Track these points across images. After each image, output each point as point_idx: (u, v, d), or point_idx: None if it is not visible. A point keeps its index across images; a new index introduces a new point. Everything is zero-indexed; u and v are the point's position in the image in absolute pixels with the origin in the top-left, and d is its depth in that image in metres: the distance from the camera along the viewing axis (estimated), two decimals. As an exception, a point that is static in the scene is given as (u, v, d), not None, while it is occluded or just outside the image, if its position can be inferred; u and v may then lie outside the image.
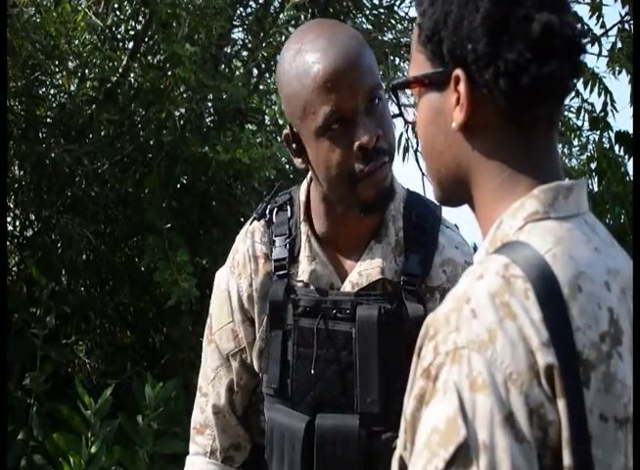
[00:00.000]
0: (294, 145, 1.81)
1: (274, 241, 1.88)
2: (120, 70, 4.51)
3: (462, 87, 1.15)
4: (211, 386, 1.96)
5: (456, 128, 1.16)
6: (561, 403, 1.06)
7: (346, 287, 1.84)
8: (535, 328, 1.07)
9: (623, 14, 5.82)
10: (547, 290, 1.09)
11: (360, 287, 1.83)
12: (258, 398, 1.94)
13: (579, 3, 5.74)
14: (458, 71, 1.15)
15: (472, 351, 1.05)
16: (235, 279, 1.91)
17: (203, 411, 1.98)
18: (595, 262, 1.14)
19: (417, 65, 1.21)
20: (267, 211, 1.91)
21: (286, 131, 1.82)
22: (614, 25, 5.84)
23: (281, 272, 1.86)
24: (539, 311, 1.07)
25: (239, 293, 1.90)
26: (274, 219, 1.90)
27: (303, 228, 1.87)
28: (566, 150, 6.11)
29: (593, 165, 6.09)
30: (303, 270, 1.85)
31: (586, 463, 1.07)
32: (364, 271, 1.83)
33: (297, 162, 1.83)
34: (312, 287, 1.84)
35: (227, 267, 1.94)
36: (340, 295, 1.83)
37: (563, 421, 1.06)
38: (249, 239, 1.91)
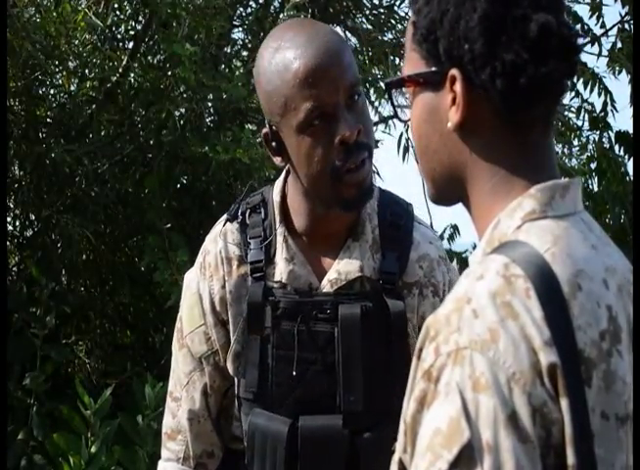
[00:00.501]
0: (273, 143, 1.80)
1: (249, 243, 1.87)
2: (120, 70, 4.51)
3: (458, 87, 1.15)
4: (185, 391, 1.93)
5: (452, 128, 1.16)
6: (564, 402, 1.06)
7: (325, 286, 1.83)
8: (537, 327, 1.06)
9: (623, 14, 5.82)
10: (548, 289, 1.09)
11: (339, 286, 1.82)
12: (230, 401, 1.93)
13: (579, 3, 5.74)
14: (454, 71, 1.15)
15: (474, 351, 1.05)
16: (206, 281, 1.89)
17: (174, 416, 1.96)
18: (593, 260, 1.14)
19: (411, 63, 1.21)
20: (240, 213, 1.90)
21: (265, 130, 1.81)
22: (614, 25, 5.84)
23: (257, 274, 1.85)
24: (541, 310, 1.07)
25: (210, 295, 1.89)
26: (247, 221, 1.89)
27: (279, 229, 1.86)
28: (566, 150, 6.11)
29: (593, 165, 6.09)
30: (281, 271, 1.84)
31: (589, 462, 1.06)
32: (342, 270, 1.83)
33: (277, 160, 1.83)
34: (290, 288, 1.84)
35: (197, 269, 1.92)
36: (319, 295, 1.82)
37: (566, 420, 1.05)
38: (221, 240, 1.89)
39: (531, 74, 1.12)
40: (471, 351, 1.05)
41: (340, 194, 1.76)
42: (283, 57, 1.75)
